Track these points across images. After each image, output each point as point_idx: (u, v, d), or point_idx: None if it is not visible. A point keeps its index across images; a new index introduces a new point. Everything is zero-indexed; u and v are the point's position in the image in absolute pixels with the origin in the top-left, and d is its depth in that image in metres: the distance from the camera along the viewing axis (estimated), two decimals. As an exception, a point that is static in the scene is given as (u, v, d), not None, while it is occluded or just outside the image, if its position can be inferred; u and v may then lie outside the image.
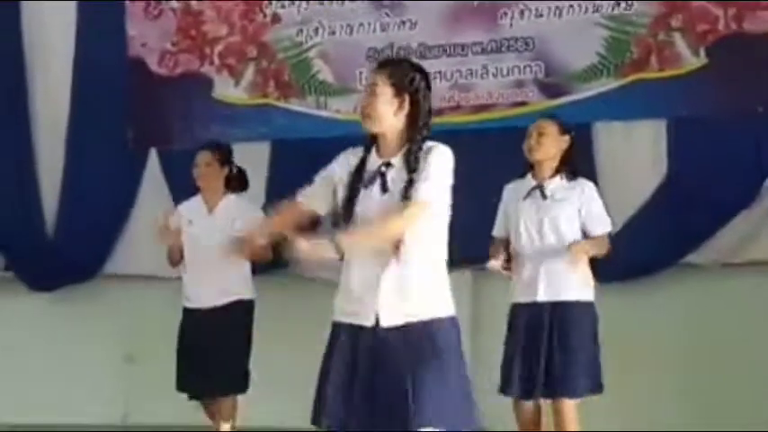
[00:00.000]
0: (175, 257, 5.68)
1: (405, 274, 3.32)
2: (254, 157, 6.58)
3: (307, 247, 3.25)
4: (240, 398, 5.69)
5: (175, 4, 6.93)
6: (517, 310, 4.79)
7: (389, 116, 3.38)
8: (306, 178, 6.42)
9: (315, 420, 3.38)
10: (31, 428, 6.63)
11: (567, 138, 4.83)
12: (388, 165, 3.37)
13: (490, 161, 5.48)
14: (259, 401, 5.69)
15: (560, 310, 4.68)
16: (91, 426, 6.70)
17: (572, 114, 5.82)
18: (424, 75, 3.46)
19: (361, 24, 6.60)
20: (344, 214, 3.41)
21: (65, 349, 7.04)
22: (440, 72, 6.35)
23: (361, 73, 6.53)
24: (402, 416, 3.24)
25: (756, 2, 5.96)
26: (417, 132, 3.37)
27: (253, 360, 5.58)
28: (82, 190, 6.95)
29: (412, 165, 3.32)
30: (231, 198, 5.63)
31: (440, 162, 3.35)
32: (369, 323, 3.34)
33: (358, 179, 3.38)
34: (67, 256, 6.93)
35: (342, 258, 3.31)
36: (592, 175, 5.64)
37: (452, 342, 3.36)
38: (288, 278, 6.55)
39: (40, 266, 7.07)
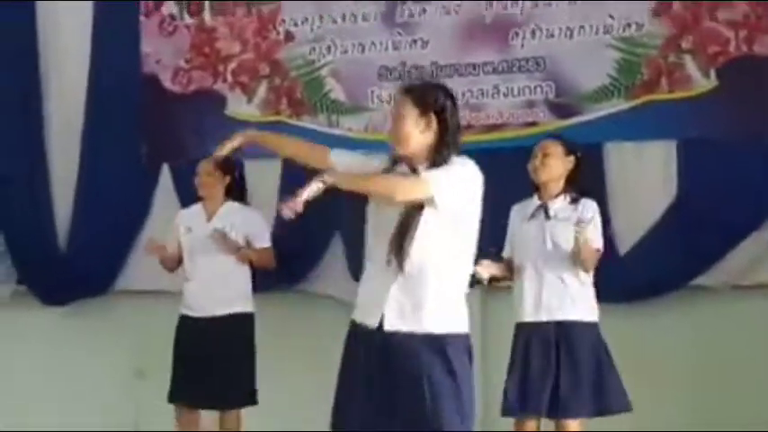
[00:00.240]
0: (168, 265, 5.73)
1: (415, 285, 3.37)
2: (266, 174, 6.63)
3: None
4: (244, 411, 5.71)
5: (189, 22, 6.95)
6: (521, 330, 4.79)
7: (416, 137, 3.44)
8: (316, 195, 6.47)
9: (333, 425, 3.51)
10: (41, 441, 6.63)
11: (572, 158, 4.85)
12: (414, 171, 3.44)
13: (501, 181, 5.36)
14: (264, 416, 5.73)
15: (564, 330, 4.68)
16: (101, 439, 6.71)
17: (583, 135, 5.84)
18: (449, 94, 3.51)
19: (373, 43, 6.61)
20: (371, 219, 3.52)
21: (76, 363, 7.04)
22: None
23: (372, 92, 6.55)
24: (419, 417, 3.31)
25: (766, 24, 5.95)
26: (444, 149, 3.43)
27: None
28: (95, 204, 6.96)
29: None
30: (230, 205, 5.70)
31: (452, 167, 3.41)
32: (374, 324, 3.40)
33: None
34: (80, 270, 6.94)
35: (326, 191, 3.38)
36: (602, 196, 5.67)
37: (461, 360, 3.39)
38: (293, 294, 6.63)
39: (52, 281, 7.07)
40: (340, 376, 3.54)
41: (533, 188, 4.87)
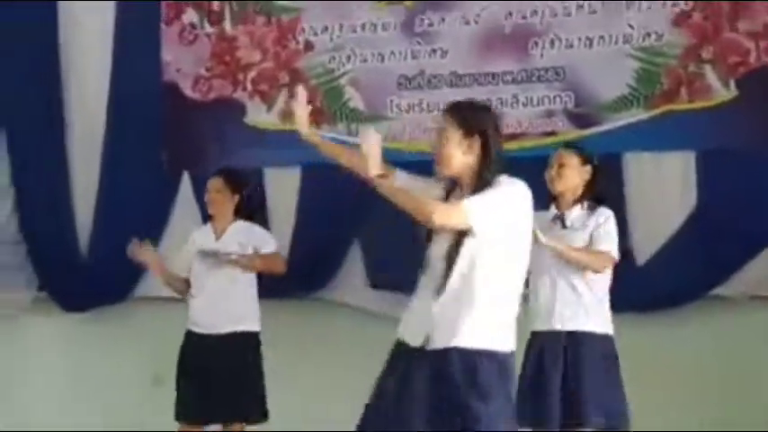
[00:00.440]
0: (176, 287, 5.76)
1: (456, 306, 3.41)
2: (284, 182, 6.71)
3: (373, 146, 3.52)
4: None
5: (210, 30, 7.01)
6: (535, 339, 4.79)
7: (459, 158, 3.49)
8: (335, 203, 6.54)
9: (360, 426, 3.57)
10: (60, 447, 6.69)
11: (588, 168, 4.83)
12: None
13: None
14: (279, 423, 5.72)
15: (575, 340, 4.67)
16: (118, 446, 6.77)
17: (602, 145, 5.87)
18: (493, 116, 3.58)
19: (393, 52, 6.66)
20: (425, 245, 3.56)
21: (95, 369, 7.10)
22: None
23: (391, 101, 6.60)
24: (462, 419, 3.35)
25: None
26: (486, 172, 3.46)
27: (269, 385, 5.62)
28: (115, 212, 7.01)
29: None
30: (240, 224, 5.67)
31: (494, 191, 3.43)
32: (416, 343, 3.47)
33: None
34: (100, 277, 6.99)
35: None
36: (621, 206, 5.68)
37: (496, 379, 3.43)
38: (310, 302, 6.67)
39: (72, 287, 7.14)
40: (377, 385, 3.58)
41: (550, 198, 4.89)
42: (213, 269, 5.56)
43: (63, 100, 7.26)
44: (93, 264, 7.13)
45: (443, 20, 6.57)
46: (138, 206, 6.93)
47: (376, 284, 6.59)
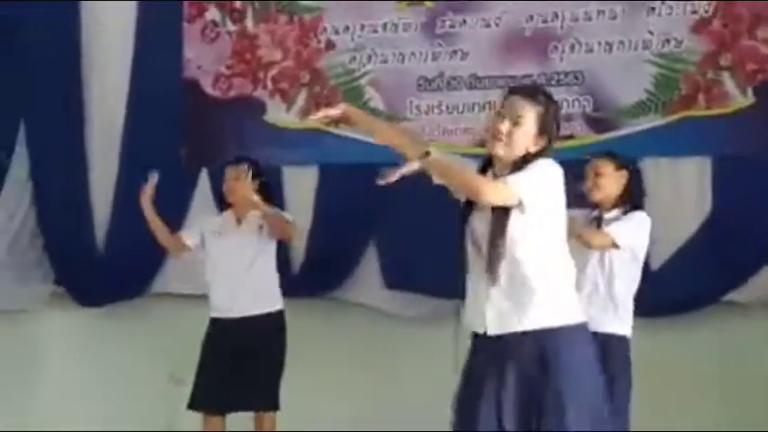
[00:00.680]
0: (162, 237, 6.03)
1: (513, 286, 3.46)
2: (302, 181, 6.88)
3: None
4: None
5: (232, 28, 7.17)
6: None
7: (524, 148, 3.50)
8: (351, 203, 6.68)
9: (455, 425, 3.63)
10: (74, 441, 6.84)
11: (624, 173, 4.96)
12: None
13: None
14: (294, 422, 5.91)
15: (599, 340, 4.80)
16: (134, 442, 6.91)
17: (619, 150, 5.93)
18: (559, 115, 3.64)
19: (413, 53, 6.81)
20: (462, 226, 3.59)
21: (111, 365, 7.23)
22: (489, 103, 6.57)
23: (411, 102, 6.76)
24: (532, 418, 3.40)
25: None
26: (533, 157, 3.49)
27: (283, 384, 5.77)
28: (133, 207, 6.95)
29: None
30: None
31: (534, 168, 3.46)
32: (481, 330, 3.53)
33: None
34: (117, 272, 7.12)
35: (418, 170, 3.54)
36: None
37: (572, 351, 3.47)
38: (325, 302, 6.81)
39: (89, 282, 7.26)
40: (462, 378, 3.63)
41: (592, 205, 4.97)
42: (237, 255, 5.74)
43: (83, 96, 7.37)
44: (110, 259, 7.26)
45: (464, 21, 6.72)
46: (155, 202, 7.04)
47: (391, 285, 6.72)
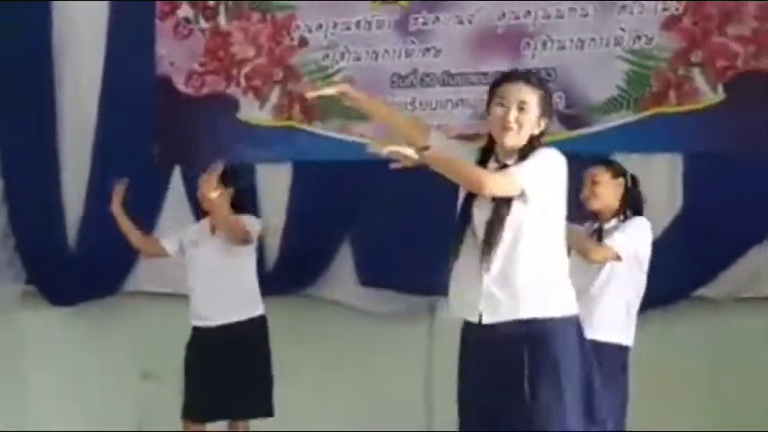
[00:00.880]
0: (135, 240, 6.18)
1: (509, 275, 3.54)
2: (276, 179, 6.97)
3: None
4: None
5: (205, 26, 7.26)
6: None
7: (529, 135, 3.61)
8: (326, 200, 6.80)
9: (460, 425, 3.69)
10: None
11: (621, 180, 5.06)
12: (504, 167, 3.63)
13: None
14: (270, 420, 5.98)
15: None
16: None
17: (591, 146, 6.18)
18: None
19: (387, 51, 6.92)
20: (462, 214, 3.67)
21: (83, 364, 7.32)
22: (462, 100, 6.74)
23: (385, 99, 6.87)
24: (517, 417, 3.49)
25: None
26: (537, 144, 3.62)
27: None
28: (105, 205, 6.93)
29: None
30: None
31: (538, 157, 3.56)
32: (474, 319, 3.60)
33: None
34: (89, 271, 7.20)
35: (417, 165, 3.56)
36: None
37: (565, 343, 3.55)
38: (300, 299, 6.89)
39: (61, 281, 7.35)
40: (459, 371, 3.70)
41: (591, 215, 5.05)
42: (213, 265, 5.83)
43: (55, 95, 7.44)
44: (81, 258, 7.33)
45: (438, 19, 6.82)
46: (128, 200, 7.10)
47: (365, 282, 6.83)
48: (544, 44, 6.67)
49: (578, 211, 4.82)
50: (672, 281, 6.06)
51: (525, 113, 3.58)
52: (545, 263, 3.59)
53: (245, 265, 5.93)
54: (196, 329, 5.95)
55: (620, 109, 6.47)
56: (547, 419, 3.50)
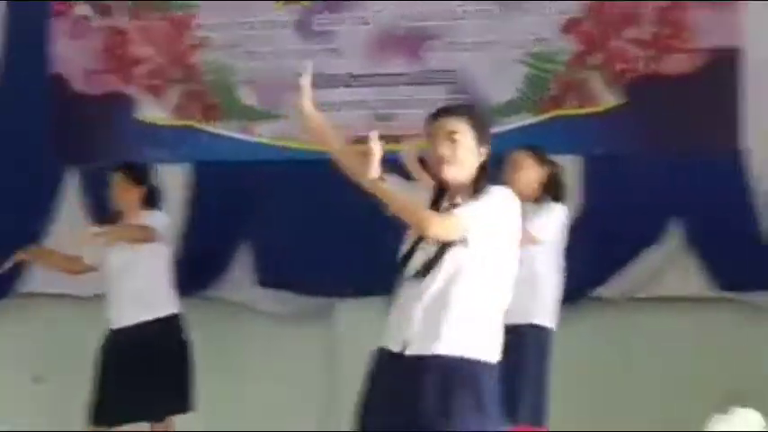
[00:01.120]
0: (61, 266, 6.17)
1: (439, 311, 3.53)
2: (176, 179, 6.98)
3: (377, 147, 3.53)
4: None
5: (102, 24, 7.28)
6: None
7: (472, 165, 3.59)
8: (227, 200, 6.85)
9: None
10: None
11: (545, 167, 5.22)
12: (455, 206, 3.61)
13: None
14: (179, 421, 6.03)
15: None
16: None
17: (492, 147, 6.31)
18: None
19: (289, 51, 6.98)
20: (407, 254, 3.64)
21: None
22: (363, 101, 6.87)
23: (287, 99, 6.97)
24: None
25: (673, 44, 6.48)
26: (483, 179, 3.59)
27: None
28: None
29: None
30: (145, 215, 5.95)
31: (487, 200, 3.55)
32: (397, 349, 3.59)
33: None
34: None
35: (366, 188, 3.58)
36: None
37: (479, 387, 3.54)
38: (200, 301, 6.84)
39: None
40: (364, 393, 3.70)
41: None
42: (127, 264, 5.86)
43: None
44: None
45: (340, 20, 6.94)
46: (22, 200, 7.12)
47: (264, 283, 6.91)
48: (445, 46, 6.81)
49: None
50: (569, 281, 6.20)
51: (458, 144, 3.59)
52: (478, 306, 3.59)
53: (151, 263, 5.95)
54: (109, 332, 5.96)
55: (519, 111, 6.64)
56: None
